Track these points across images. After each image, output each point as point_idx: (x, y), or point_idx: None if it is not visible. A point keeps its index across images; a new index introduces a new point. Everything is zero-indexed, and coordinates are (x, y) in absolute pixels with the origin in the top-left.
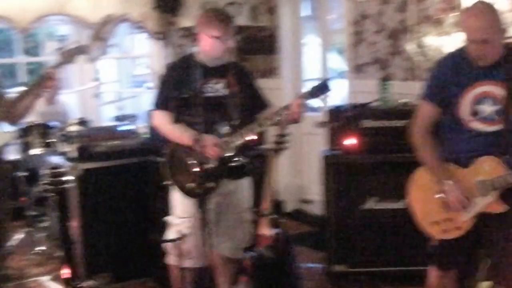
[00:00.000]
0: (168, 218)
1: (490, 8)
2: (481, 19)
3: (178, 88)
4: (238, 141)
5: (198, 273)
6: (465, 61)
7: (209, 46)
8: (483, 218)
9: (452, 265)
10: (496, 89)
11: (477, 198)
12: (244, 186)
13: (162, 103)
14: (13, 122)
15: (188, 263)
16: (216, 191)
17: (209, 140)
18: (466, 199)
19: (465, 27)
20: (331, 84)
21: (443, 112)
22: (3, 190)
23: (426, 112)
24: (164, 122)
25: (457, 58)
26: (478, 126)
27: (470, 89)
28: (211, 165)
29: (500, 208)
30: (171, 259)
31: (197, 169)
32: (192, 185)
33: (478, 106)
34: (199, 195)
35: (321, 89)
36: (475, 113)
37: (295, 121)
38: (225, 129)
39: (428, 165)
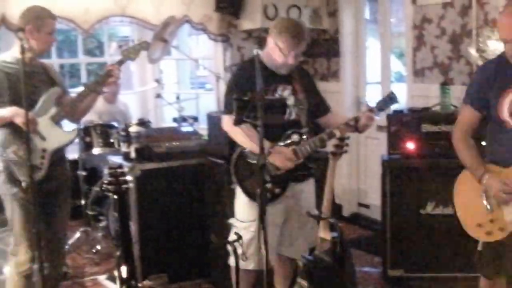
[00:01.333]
0: (231, 221)
1: None
2: None
3: (243, 90)
4: (307, 150)
5: (258, 276)
6: (504, 65)
7: (272, 52)
8: None
9: (498, 272)
10: None
11: None
12: (308, 189)
13: (231, 107)
14: (74, 120)
15: (249, 266)
16: (281, 195)
17: (283, 152)
18: (507, 194)
19: (500, 27)
20: (397, 96)
21: (486, 116)
22: (66, 188)
23: (467, 116)
24: (233, 127)
25: (497, 63)
26: None
27: (510, 90)
28: (278, 172)
29: None
30: (232, 261)
31: (266, 176)
32: (267, 187)
33: None
34: (267, 200)
35: (389, 101)
36: None
37: (361, 131)
38: (294, 137)
39: (469, 167)
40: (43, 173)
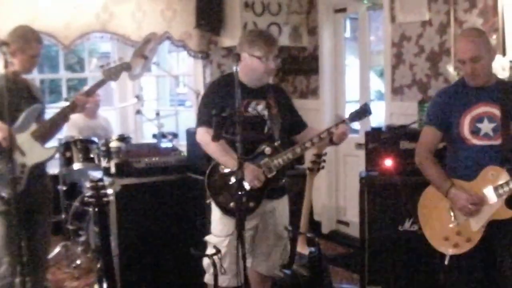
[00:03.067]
0: (207, 238)
1: (477, 31)
2: (469, 40)
3: (221, 106)
4: (279, 163)
5: None
6: (463, 87)
7: (250, 66)
8: (490, 231)
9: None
10: (491, 109)
11: (485, 206)
12: (282, 205)
13: (206, 120)
14: (43, 142)
15: (224, 282)
16: (255, 211)
17: (251, 170)
18: (477, 201)
19: (457, 49)
20: (372, 107)
21: (446, 134)
22: (46, 205)
23: (429, 135)
24: (207, 140)
25: (455, 86)
26: (479, 142)
27: (469, 111)
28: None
29: (507, 214)
30: (208, 278)
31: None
32: (233, 204)
33: (477, 124)
34: (240, 216)
35: (362, 113)
36: (475, 132)
37: (337, 144)
38: (266, 150)
39: (435, 182)
40: (22, 187)
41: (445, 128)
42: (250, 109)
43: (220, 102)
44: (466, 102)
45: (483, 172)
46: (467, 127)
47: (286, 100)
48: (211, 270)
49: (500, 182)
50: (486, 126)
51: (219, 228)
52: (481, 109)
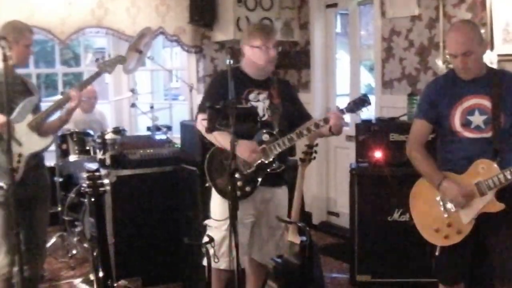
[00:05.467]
0: (206, 221)
1: (469, 24)
2: (461, 33)
3: (223, 95)
4: (277, 149)
5: (230, 277)
6: (453, 79)
7: (252, 57)
8: (481, 224)
9: (456, 279)
10: (482, 101)
11: (476, 199)
12: (280, 195)
13: (205, 108)
14: (39, 132)
15: (221, 266)
16: (252, 196)
17: (247, 145)
18: (468, 193)
19: (448, 43)
20: (369, 99)
21: (438, 126)
22: (44, 195)
23: (420, 128)
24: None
25: (446, 78)
26: (470, 135)
27: (459, 103)
28: (249, 170)
29: (497, 207)
30: (207, 261)
31: (236, 173)
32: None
33: (468, 117)
34: (237, 198)
35: (361, 103)
36: (466, 124)
37: (335, 132)
38: (264, 136)
39: (426, 174)
40: (19, 177)
41: (436, 121)
42: (251, 98)
43: (222, 92)
44: (456, 94)
45: (473, 165)
46: (458, 120)
47: (289, 92)
48: (209, 253)
49: (491, 175)
50: (477, 119)
51: (219, 211)
52: (472, 101)
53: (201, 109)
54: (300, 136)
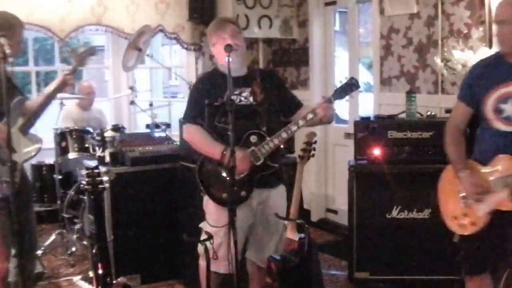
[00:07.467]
0: (202, 225)
1: None
2: (504, 4)
3: (207, 99)
4: (266, 149)
5: (227, 279)
6: (498, 62)
7: (218, 56)
8: (498, 218)
9: (476, 270)
10: None
11: (492, 194)
12: (277, 195)
13: (191, 117)
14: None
15: (218, 268)
16: (248, 200)
17: (237, 155)
18: (480, 190)
19: (499, 8)
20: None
21: (477, 111)
22: (27, 191)
23: (459, 112)
24: (194, 136)
25: (489, 61)
26: (501, 126)
27: (496, 89)
28: (242, 175)
29: (509, 206)
30: (202, 262)
31: (228, 179)
32: (225, 195)
33: (502, 105)
34: (232, 204)
35: (349, 87)
36: (498, 112)
37: (326, 122)
38: (252, 138)
39: (451, 160)
40: (16, 186)
41: (475, 105)
42: (233, 98)
43: (205, 97)
44: (495, 78)
45: (495, 160)
46: (490, 106)
47: (274, 82)
48: (205, 255)
49: (508, 173)
50: (509, 108)
51: (214, 219)
52: (510, 88)
53: (186, 119)
54: (290, 133)
